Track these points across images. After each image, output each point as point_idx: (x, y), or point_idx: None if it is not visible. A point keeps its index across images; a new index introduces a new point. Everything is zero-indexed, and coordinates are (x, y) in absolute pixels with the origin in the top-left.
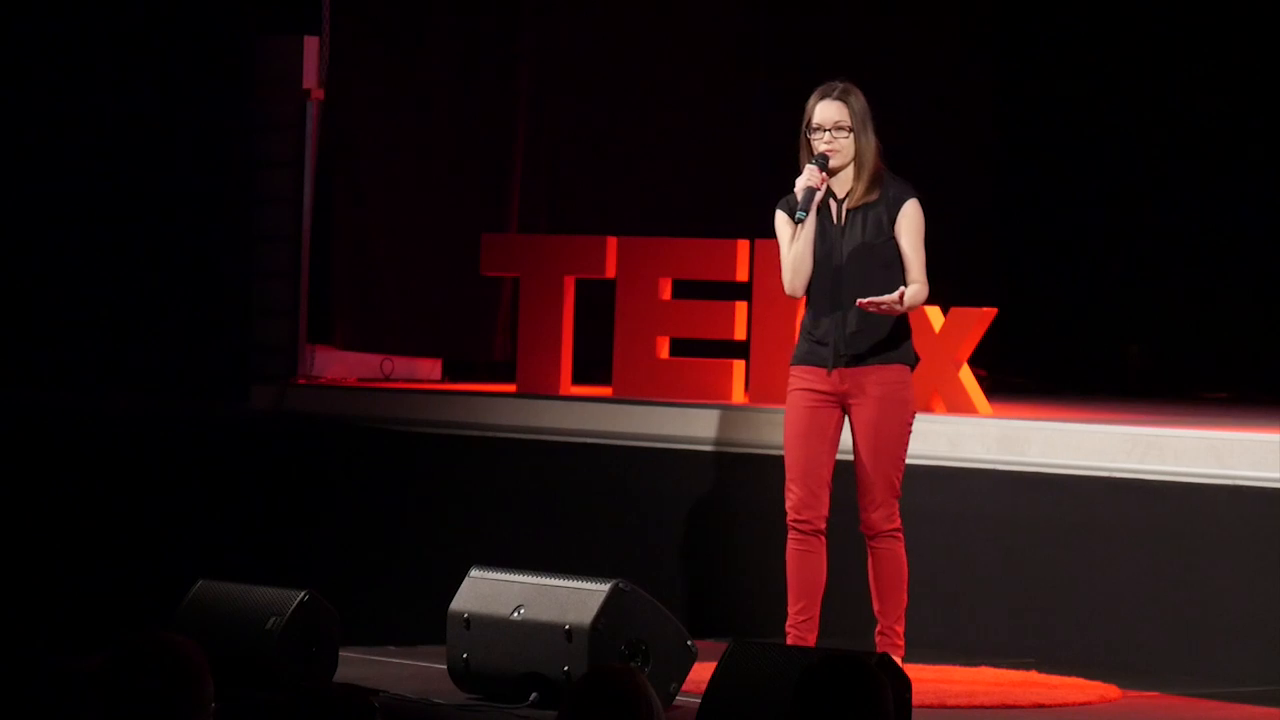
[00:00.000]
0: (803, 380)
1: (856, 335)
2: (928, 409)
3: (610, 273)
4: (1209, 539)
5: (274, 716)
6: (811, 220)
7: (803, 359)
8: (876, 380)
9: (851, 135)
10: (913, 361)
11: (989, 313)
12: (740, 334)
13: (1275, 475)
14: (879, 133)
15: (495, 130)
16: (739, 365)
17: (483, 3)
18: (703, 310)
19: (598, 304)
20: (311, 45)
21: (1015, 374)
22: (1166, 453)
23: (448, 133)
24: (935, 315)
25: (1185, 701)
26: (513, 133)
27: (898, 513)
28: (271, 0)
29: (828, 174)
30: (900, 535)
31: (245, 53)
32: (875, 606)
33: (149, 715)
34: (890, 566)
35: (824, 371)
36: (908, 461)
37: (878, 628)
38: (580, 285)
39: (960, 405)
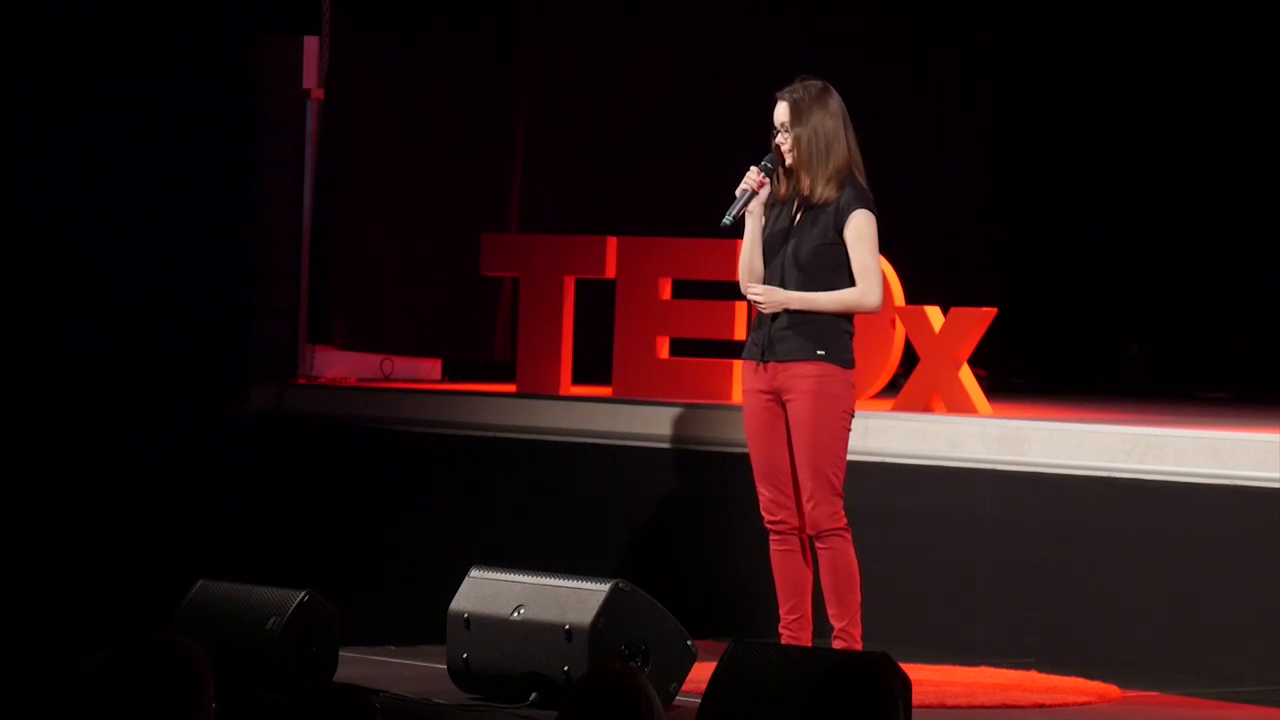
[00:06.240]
0: (746, 380)
1: (785, 330)
2: (928, 409)
3: (610, 273)
4: (1209, 539)
5: (274, 716)
6: (756, 222)
7: (745, 353)
8: (805, 376)
9: (791, 134)
10: (844, 361)
11: (989, 313)
12: (740, 334)
13: (1275, 475)
14: (865, 136)
15: (495, 130)
16: (739, 365)
17: (482, 3)
18: (703, 310)
19: (598, 304)
20: (311, 45)
21: (1015, 374)
22: (1166, 453)
23: (447, 132)
24: (935, 315)
25: (1185, 701)
26: (513, 132)
27: (842, 511)
28: (271, 0)
29: (770, 177)
30: (847, 534)
31: (245, 53)
32: (830, 609)
33: (150, 716)
34: (840, 567)
35: (754, 365)
36: (908, 461)
37: (834, 631)
38: (580, 285)
39: (960, 405)
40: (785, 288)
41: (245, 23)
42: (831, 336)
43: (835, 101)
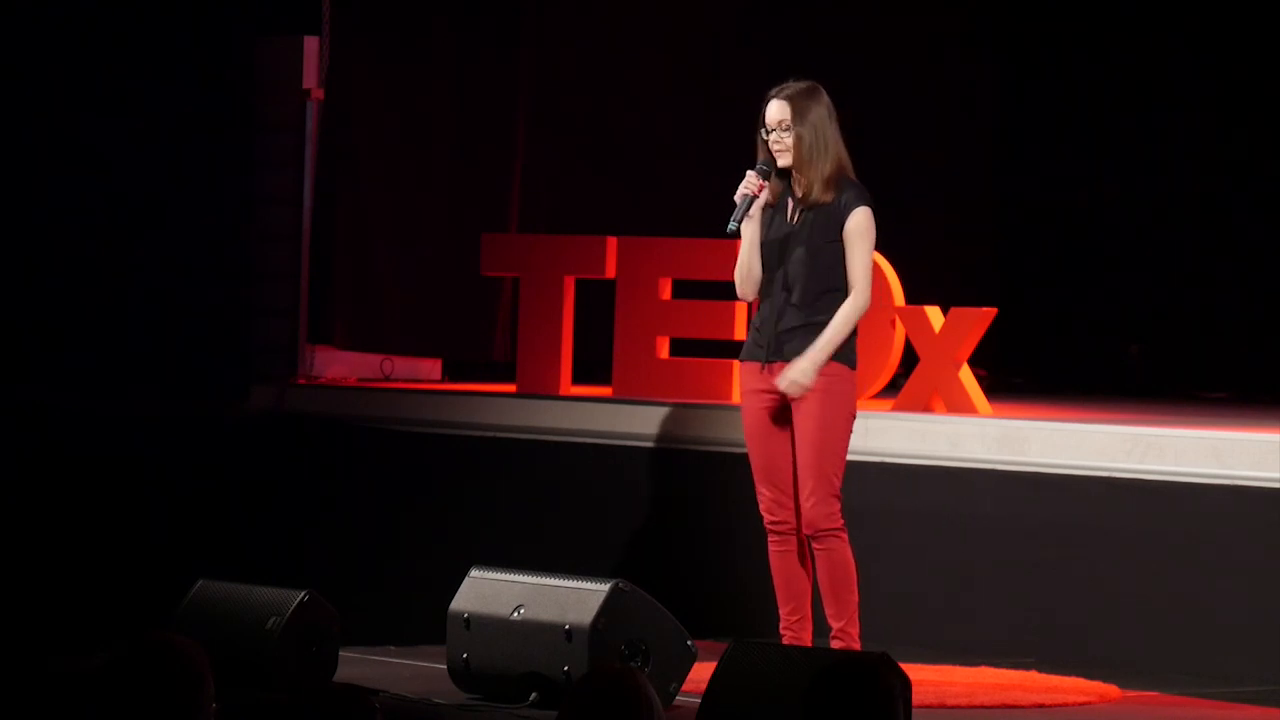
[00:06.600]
0: (746, 380)
1: (790, 332)
2: (928, 409)
3: (610, 273)
4: (1209, 539)
5: (274, 716)
6: (754, 226)
7: (744, 354)
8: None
9: (794, 133)
10: (851, 361)
11: (989, 313)
12: (740, 334)
13: (1275, 475)
14: (855, 136)
15: (495, 130)
16: (738, 365)
17: (482, 3)
18: (703, 310)
19: (598, 304)
20: (311, 45)
21: (1015, 374)
22: (1166, 453)
23: (447, 132)
24: (935, 315)
25: (1185, 701)
26: (513, 132)
27: (839, 512)
28: (271, 0)
29: (768, 180)
30: (844, 535)
31: (245, 53)
32: (828, 610)
33: (150, 716)
34: (838, 567)
35: (758, 366)
36: (908, 461)
37: (832, 631)
38: (580, 285)
39: (960, 405)
40: (789, 290)
41: (245, 23)
42: None
43: (827, 100)
